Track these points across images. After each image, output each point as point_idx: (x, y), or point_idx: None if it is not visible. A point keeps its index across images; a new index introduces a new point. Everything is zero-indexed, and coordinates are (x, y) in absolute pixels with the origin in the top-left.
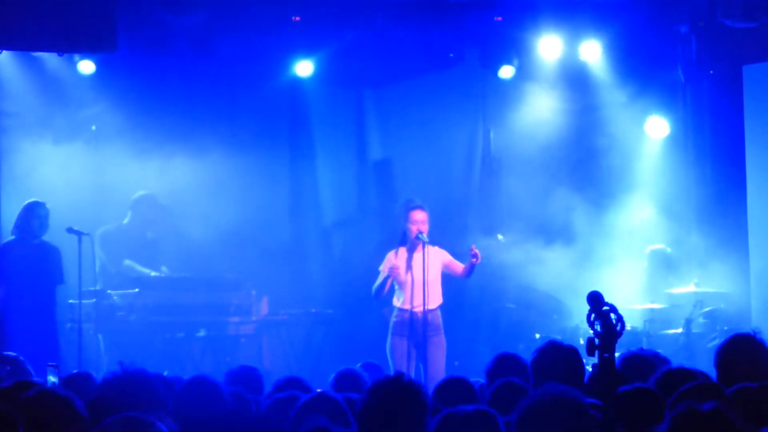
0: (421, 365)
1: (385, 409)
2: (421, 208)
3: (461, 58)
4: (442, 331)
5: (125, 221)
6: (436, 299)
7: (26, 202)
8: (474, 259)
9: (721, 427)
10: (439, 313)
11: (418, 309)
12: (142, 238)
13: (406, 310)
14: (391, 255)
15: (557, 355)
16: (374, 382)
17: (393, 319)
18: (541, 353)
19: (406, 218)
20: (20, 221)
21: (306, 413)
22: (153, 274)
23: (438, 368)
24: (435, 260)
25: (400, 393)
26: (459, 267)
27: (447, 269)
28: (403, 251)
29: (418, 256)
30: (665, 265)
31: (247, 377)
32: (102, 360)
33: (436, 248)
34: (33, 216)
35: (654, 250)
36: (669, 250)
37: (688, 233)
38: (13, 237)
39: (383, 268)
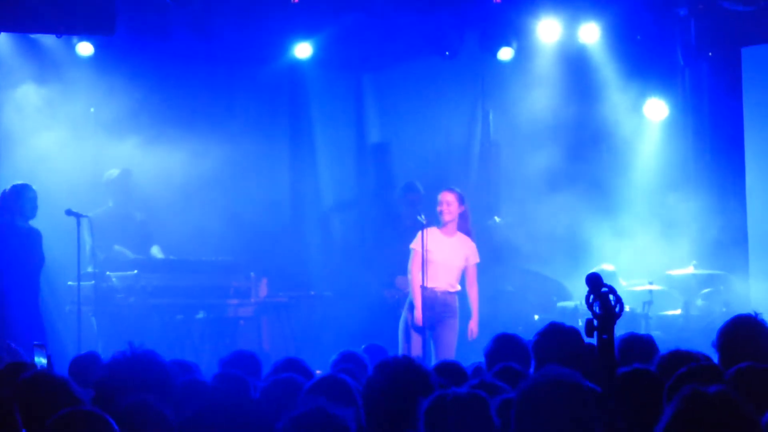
0: (432, 345)
1: (391, 389)
2: (449, 189)
3: (460, 40)
4: (457, 316)
5: (110, 204)
6: (455, 285)
7: (14, 184)
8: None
9: (729, 409)
10: (456, 297)
11: (435, 289)
12: (130, 220)
13: (424, 288)
14: (421, 234)
15: (558, 337)
16: (383, 360)
17: (411, 296)
18: (542, 335)
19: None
20: (10, 203)
21: (311, 395)
22: (143, 258)
23: (448, 350)
24: (462, 251)
25: (407, 374)
26: (471, 277)
27: (465, 269)
28: (433, 230)
29: (440, 236)
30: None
31: (244, 362)
32: (97, 342)
33: (471, 243)
34: (26, 199)
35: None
36: (611, 267)
37: (687, 214)
38: (4, 218)
39: (414, 247)
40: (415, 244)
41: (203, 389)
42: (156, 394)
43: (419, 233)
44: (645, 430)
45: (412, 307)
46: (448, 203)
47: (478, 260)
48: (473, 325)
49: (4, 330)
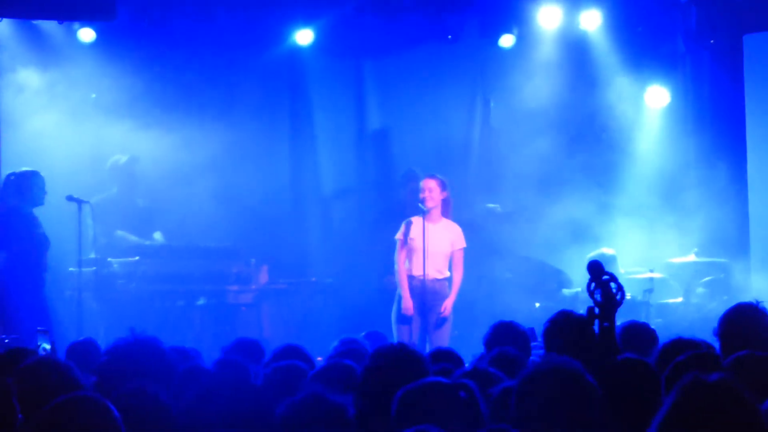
0: (426, 334)
1: (386, 377)
2: (431, 176)
3: (461, 27)
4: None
5: (114, 190)
6: (444, 271)
7: (24, 169)
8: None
9: (729, 397)
10: (446, 284)
11: (424, 277)
12: (133, 206)
13: (412, 277)
14: (406, 224)
15: (568, 325)
16: (377, 348)
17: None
18: (552, 323)
19: (420, 186)
20: (19, 189)
21: (315, 381)
22: (147, 243)
23: (442, 338)
24: (448, 236)
25: (402, 362)
26: (455, 263)
27: (452, 255)
28: (417, 220)
29: (428, 225)
30: (610, 268)
31: (247, 349)
32: (99, 328)
33: (457, 228)
34: (36, 186)
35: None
36: (611, 251)
37: (688, 202)
38: (11, 203)
39: (399, 237)
40: (399, 235)
41: (204, 376)
42: (157, 381)
43: (403, 223)
44: (642, 418)
45: (401, 298)
46: (430, 190)
47: (464, 245)
48: (448, 303)
49: (10, 315)
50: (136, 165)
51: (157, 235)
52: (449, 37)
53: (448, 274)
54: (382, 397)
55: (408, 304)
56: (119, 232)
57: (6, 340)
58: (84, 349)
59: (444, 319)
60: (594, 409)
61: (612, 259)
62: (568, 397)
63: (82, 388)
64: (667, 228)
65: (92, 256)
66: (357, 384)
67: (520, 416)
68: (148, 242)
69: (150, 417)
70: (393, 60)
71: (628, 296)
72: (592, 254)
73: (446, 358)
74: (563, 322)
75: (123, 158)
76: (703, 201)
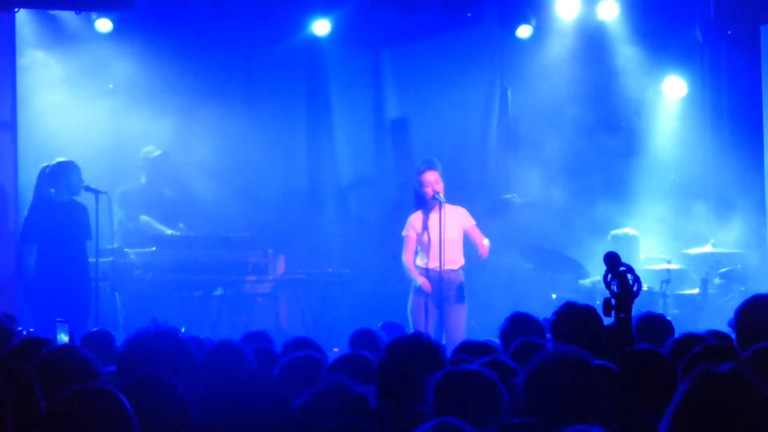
0: (442, 326)
1: (403, 367)
2: (431, 168)
3: (479, 17)
4: (464, 292)
5: (143, 181)
6: (457, 260)
7: (59, 159)
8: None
9: (741, 388)
10: (461, 273)
11: (439, 269)
12: (160, 197)
13: (424, 270)
14: (413, 219)
15: (575, 316)
16: (393, 340)
17: (414, 282)
18: (558, 314)
19: (420, 181)
20: (56, 178)
21: (333, 372)
22: (169, 232)
23: (458, 328)
24: (455, 220)
25: (418, 351)
26: (478, 239)
27: (468, 234)
28: (421, 213)
29: (434, 216)
30: (631, 249)
31: (257, 341)
32: (118, 318)
33: (460, 209)
34: (74, 175)
35: (616, 236)
36: (634, 232)
37: (705, 192)
38: (44, 193)
39: (406, 234)
40: (406, 231)
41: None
42: (177, 372)
43: (409, 219)
44: (657, 409)
45: (417, 290)
46: (437, 181)
47: (474, 221)
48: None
49: (39, 308)
50: (167, 161)
51: (182, 226)
52: (468, 15)
53: (462, 261)
54: (398, 387)
55: (425, 283)
56: (143, 218)
57: (24, 333)
58: (98, 340)
59: (459, 310)
60: (601, 398)
61: (634, 239)
62: (576, 386)
63: (98, 379)
64: (683, 217)
65: (115, 245)
66: (374, 375)
67: (528, 406)
68: (170, 232)
69: (163, 403)
70: (410, 50)
71: (644, 287)
72: (615, 231)
73: (482, 350)
74: (569, 314)
75: (156, 152)
76: (720, 190)
